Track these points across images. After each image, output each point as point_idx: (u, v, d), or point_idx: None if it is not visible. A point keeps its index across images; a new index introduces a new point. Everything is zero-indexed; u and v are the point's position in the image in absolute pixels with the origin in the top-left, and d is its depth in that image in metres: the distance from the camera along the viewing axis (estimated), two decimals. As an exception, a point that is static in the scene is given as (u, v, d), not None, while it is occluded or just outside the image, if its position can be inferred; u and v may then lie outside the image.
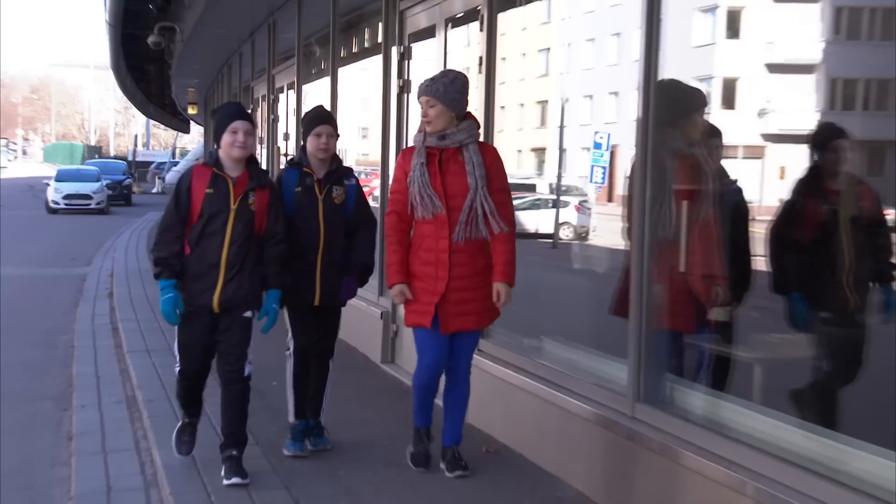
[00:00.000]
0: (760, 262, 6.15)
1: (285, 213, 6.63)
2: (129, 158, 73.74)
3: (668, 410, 6.07)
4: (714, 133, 6.24)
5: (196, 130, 64.76)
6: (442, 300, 6.31)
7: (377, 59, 11.55)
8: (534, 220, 6.30)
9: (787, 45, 6.50)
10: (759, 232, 6.20)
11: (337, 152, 7.08)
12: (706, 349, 6.23)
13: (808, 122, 6.15)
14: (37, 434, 8.76)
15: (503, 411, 7.48)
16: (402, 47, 10.66)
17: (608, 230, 7.47)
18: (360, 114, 16.17)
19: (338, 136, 7.02)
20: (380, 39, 11.49)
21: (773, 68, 6.67)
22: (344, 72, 14.05)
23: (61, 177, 44.53)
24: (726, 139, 6.98)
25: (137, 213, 41.51)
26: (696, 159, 6.10)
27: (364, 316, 10.57)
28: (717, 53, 7.09)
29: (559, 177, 9.48)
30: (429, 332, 6.40)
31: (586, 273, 8.94)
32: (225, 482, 6.25)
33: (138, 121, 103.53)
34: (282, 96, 18.91)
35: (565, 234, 9.72)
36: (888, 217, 5.58)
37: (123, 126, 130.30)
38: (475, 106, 8.72)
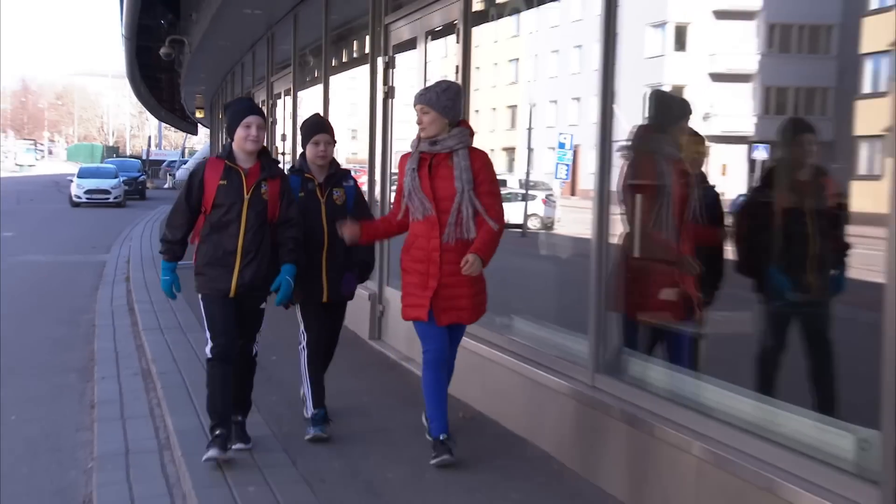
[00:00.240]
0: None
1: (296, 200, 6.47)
2: (143, 157, 73.34)
3: (624, 380, 6.12)
4: (698, 140, 6.14)
5: (203, 132, 64.36)
6: (434, 296, 6.13)
7: (364, 69, 11.54)
8: (505, 212, 6.28)
9: (727, 57, 6.49)
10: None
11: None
12: (687, 334, 6.05)
13: (747, 125, 6.19)
14: (63, 403, 8.80)
15: (479, 383, 7.51)
16: (386, 57, 10.66)
17: (571, 220, 7.50)
18: (350, 117, 16.11)
19: (335, 142, 6.90)
20: (367, 50, 11.45)
21: (716, 77, 6.65)
22: (335, 80, 14.07)
23: (83, 174, 44.17)
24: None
25: (151, 206, 41.27)
26: (684, 163, 6.02)
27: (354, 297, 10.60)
28: (666, 64, 7.06)
29: (528, 173, 9.48)
30: (427, 325, 6.21)
31: (552, 259, 8.97)
32: (229, 446, 6.20)
33: (151, 124, 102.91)
34: (279, 101, 18.88)
35: (533, 224, 9.73)
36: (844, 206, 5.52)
37: (138, 128, 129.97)
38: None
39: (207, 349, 6.22)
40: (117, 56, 51.47)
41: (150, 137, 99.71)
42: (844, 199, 5.46)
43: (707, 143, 6.19)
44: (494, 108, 10.15)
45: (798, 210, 5.54)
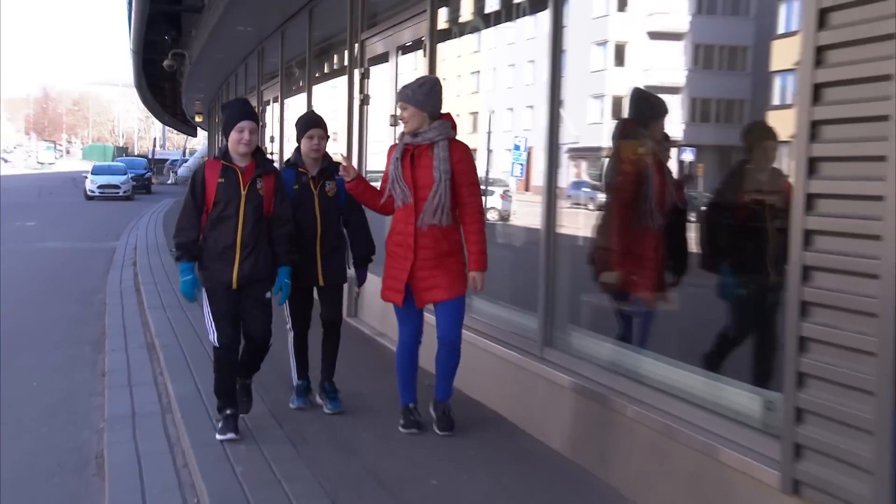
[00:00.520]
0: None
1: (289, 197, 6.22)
2: (149, 157, 72.55)
3: (568, 352, 6.18)
4: (667, 137, 6.00)
5: (202, 134, 63.88)
6: (411, 278, 5.94)
7: (343, 79, 11.55)
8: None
9: (659, 72, 6.50)
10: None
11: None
12: (644, 313, 6.00)
13: (676, 131, 6.22)
14: (78, 371, 8.82)
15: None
16: (362, 69, 10.69)
17: (525, 213, 7.55)
18: (331, 122, 16.09)
19: (328, 137, 6.66)
20: (345, 63, 11.47)
21: (650, 89, 6.69)
22: (317, 89, 14.12)
23: (96, 171, 43.97)
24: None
25: (156, 199, 41.00)
26: (660, 158, 5.90)
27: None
28: (607, 77, 7.03)
29: (487, 171, 9.52)
30: (402, 310, 6.09)
31: (508, 247, 8.98)
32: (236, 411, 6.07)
33: (156, 127, 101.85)
34: (268, 108, 18.88)
35: (492, 216, 9.77)
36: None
37: (144, 131, 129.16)
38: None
39: (214, 339, 6.01)
40: (126, 67, 51.18)
41: (155, 139, 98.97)
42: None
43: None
44: (458, 115, 10.01)
45: (759, 209, 5.42)
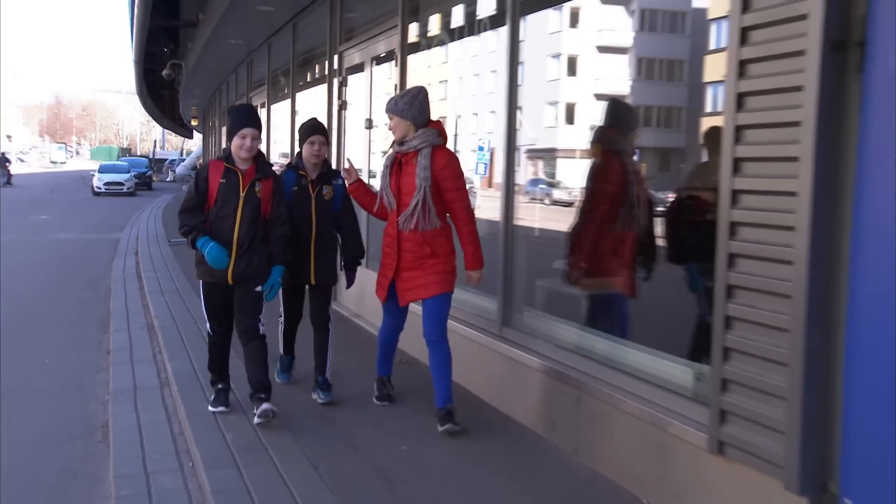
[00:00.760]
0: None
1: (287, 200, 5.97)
2: (150, 157, 72.06)
3: (524, 331, 6.23)
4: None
5: (197, 137, 63.47)
6: (396, 278, 5.71)
7: (323, 87, 11.54)
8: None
9: (607, 81, 6.52)
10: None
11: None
12: (623, 304, 5.75)
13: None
14: (86, 349, 8.79)
15: (415, 336, 7.55)
16: (340, 78, 10.70)
17: (487, 207, 7.56)
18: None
19: (328, 143, 6.43)
20: (325, 72, 11.46)
21: (599, 97, 6.60)
22: (300, 95, 14.07)
23: (102, 170, 43.78)
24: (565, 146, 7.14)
25: (156, 195, 40.85)
26: (636, 164, 5.77)
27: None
28: (561, 86, 7.02)
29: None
30: (386, 305, 5.93)
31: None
32: (255, 421, 5.62)
33: (156, 130, 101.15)
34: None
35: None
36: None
37: (146, 134, 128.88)
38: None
39: (208, 327, 5.95)
40: (129, 76, 50.96)
41: (155, 141, 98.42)
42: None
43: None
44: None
45: (716, 205, 5.26)
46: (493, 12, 7.27)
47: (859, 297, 3.38)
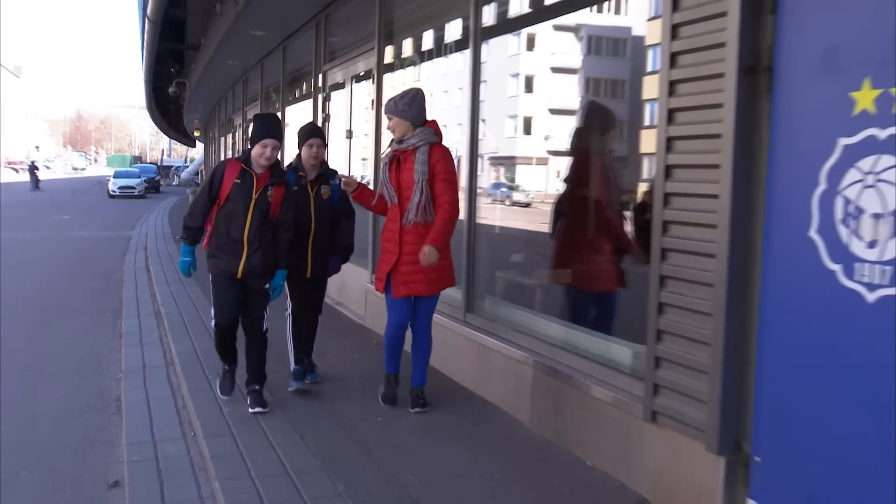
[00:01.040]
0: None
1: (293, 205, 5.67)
2: (158, 164, 71.93)
3: (485, 317, 6.24)
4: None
5: (199, 146, 63.11)
6: (394, 270, 5.38)
7: (310, 102, 11.56)
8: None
9: (560, 98, 6.55)
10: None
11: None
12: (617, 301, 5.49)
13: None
14: (101, 333, 8.74)
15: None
16: (324, 94, 10.72)
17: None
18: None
19: (326, 146, 6.16)
20: (311, 89, 11.46)
21: (553, 111, 6.67)
22: (289, 109, 14.07)
23: (117, 175, 43.56)
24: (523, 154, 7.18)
25: (163, 198, 40.55)
26: (614, 163, 5.59)
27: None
28: (520, 102, 7.00)
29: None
30: (388, 298, 5.51)
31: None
32: (250, 410, 5.42)
33: (164, 140, 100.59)
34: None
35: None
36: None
37: (154, 144, 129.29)
38: (372, 130, 8.87)
39: (213, 321, 5.61)
40: (140, 93, 51.09)
41: (163, 150, 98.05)
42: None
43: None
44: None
45: None
46: (459, 37, 7.29)
47: (769, 286, 3.45)
